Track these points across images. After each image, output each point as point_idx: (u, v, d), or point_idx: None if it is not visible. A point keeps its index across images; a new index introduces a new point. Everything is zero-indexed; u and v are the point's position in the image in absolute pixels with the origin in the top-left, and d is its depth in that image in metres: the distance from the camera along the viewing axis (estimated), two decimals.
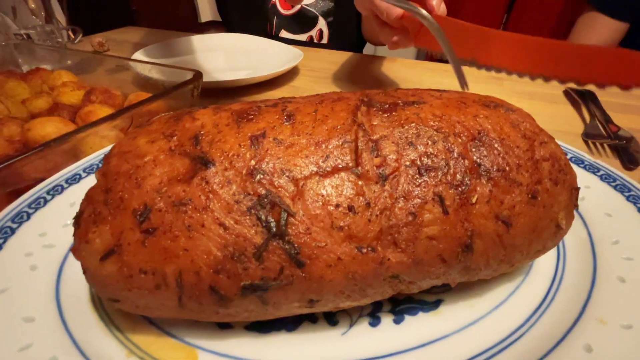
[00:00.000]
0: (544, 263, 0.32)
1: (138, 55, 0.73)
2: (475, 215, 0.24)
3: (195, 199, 0.23)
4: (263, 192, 0.23)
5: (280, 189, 0.23)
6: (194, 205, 0.23)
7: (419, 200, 0.24)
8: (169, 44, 0.83)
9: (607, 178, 0.40)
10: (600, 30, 0.99)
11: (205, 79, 0.73)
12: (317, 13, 1.00)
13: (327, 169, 0.24)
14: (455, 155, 0.25)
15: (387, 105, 0.29)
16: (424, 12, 0.41)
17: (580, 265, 0.31)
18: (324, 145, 0.25)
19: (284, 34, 1.03)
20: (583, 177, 0.40)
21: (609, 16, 0.97)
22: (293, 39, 1.04)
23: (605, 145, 0.54)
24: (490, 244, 0.25)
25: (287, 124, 0.27)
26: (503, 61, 0.37)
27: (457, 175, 0.25)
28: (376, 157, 0.25)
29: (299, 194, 0.23)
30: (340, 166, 0.24)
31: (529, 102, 0.68)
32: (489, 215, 0.25)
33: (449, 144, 0.26)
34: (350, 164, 0.24)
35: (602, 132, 0.57)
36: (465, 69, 0.46)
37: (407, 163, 0.25)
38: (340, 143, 0.25)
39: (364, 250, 0.23)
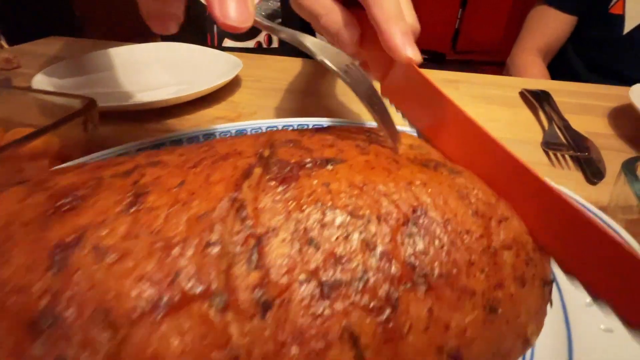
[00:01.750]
0: None
1: (40, 75, 0.61)
2: (408, 354, 0.16)
3: None
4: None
5: (85, 347, 0.14)
6: None
7: (319, 344, 0.15)
8: (85, 58, 0.71)
9: None
10: (550, 23, 1.00)
11: (125, 100, 0.62)
12: (262, 15, 0.91)
13: (174, 299, 0.15)
14: (378, 255, 0.17)
15: (288, 170, 0.20)
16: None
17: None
18: (175, 251, 0.16)
19: (227, 42, 0.92)
20: None
21: (558, 9, 0.98)
22: (239, 47, 0.94)
23: (566, 156, 0.49)
24: None
25: (128, 212, 0.17)
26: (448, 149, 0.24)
27: (380, 290, 0.16)
28: (255, 269, 0.16)
29: (118, 351, 0.14)
30: (194, 292, 0.15)
31: (486, 107, 0.64)
32: (429, 350, 0.16)
33: (370, 237, 0.17)
34: (213, 287, 0.15)
35: (561, 140, 0.52)
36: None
37: (302, 277, 0.16)
38: (202, 246, 0.16)
39: None
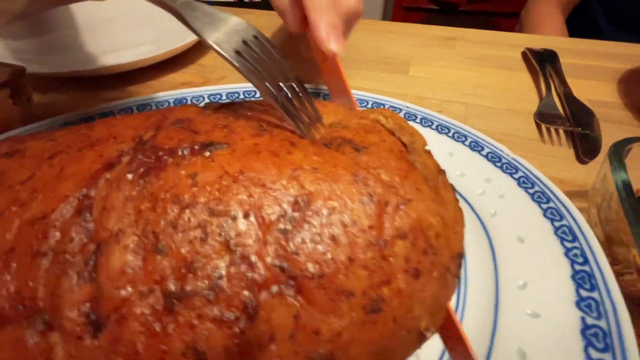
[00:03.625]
0: None
1: None
2: None
3: None
4: None
5: None
6: None
7: None
8: (45, 16, 0.65)
9: (525, 183, 0.31)
10: None
11: (85, 64, 0.58)
12: None
13: None
14: (238, 258, 0.15)
15: (155, 159, 0.17)
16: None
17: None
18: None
19: None
20: (499, 180, 0.31)
21: None
22: (221, 0, 0.86)
23: (560, 130, 0.44)
24: None
25: None
26: None
27: (237, 298, 0.14)
28: (88, 282, 0.14)
29: None
30: (12, 313, 0.13)
31: (479, 70, 0.56)
32: (296, 359, 0.15)
33: (232, 237, 0.15)
34: (40, 304, 0.14)
35: (557, 111, 0.46)
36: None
37: (144, 289, 0.14)
38: (30, 257, 0.14)
39: None
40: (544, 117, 0.45)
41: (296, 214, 0.16)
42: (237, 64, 0.21)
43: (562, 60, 0.56)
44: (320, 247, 0.16)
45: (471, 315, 0.24)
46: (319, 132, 0.22)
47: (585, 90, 0.50)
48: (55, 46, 0.62)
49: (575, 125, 0.43)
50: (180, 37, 0.59)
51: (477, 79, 0.54)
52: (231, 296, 0.14)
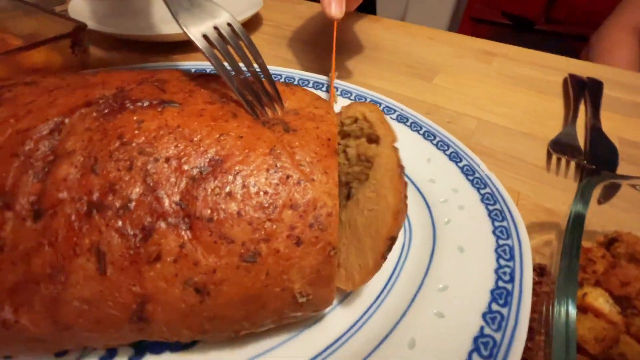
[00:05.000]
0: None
1: None
2: (153, 278, 0.18)
3: None
4: None
5: None
6: None
7: (70, 251, 0.18)
8: None
9: (488, 199, 0.31)
10: None
11: (146, 29, 0.66)
12: None
13: None
14: (150, 190, 0.19)
15: (118, 105, 0.22)
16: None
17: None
18: None
19: None
20: (465, 192, 0.32)
21: None
22: None
23: (571, 163, 0.42)
24: (177, 315, 0.19)
25: None
26: None
27: (139, 220, 0.18)
28: (39, 181, 0.19)
29: None
30: None
31: (508, 88, 0.54)
32: (175, 280, 0.18)
33: (151, 173, 0.19)
34: (6, 189, 0.19)
35: (575, 143, 0.44)
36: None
37: (78, 196, 0.18)
38: (8, 155, 0.19)
39: None
40: (558, 146, 0.43)
41: (209, 168, 0.19)
42: (199, 45, 0.24)
43: (608, 92, 0.52)
44: (217, 198, 0.19)
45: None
46: (275, 113, 0.25)
47: (621, 128, 0.46)
48: (121, 10, 0.71)
49: (590, 161, 0.41)
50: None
51: (502, 97, 0.52)
52: (135, 218, 0.18)
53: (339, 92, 0.45)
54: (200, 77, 0.27)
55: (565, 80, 0.56)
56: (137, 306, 0.18)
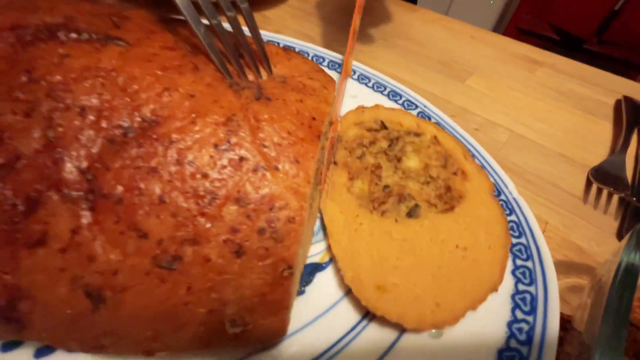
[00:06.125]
0: None
1: None
2: (30, 268, 0.13)
3: None
4: None
5: None
6: None
7: None
8: None
9: (513, 230, 0.24)
10: None
11: None
12: None
13: None
14: (49, 146, 0.13)
15: (46, 34, 0.16)
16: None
17: None
18: None
19: None
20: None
21: None
22: None
23: (615, 196, 0.35)
24: (60, 322, 0.14)
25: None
26: None
27: (27, 185, 0.13)
28: None
29: None
30: None
31: (550, 103, 0.46)
32: (61, 275, 0.13)
33: (54, 125, 0.14)
34: None
35: (622, 175, 0.37)
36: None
37: None
38: None
39: None
40: (601, 175, 0.36)
41: (137, 131, 0.14)
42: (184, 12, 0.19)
43: None
44: (137, 174, 0.13)
45: None
46: (259, 77, 0.19)
47: None
48: None
49: (638, 197, 0.34)
50: None
51: (542, 111, 0.45)
52: (19, 181, 0.13)
53: (355, 76, 0.39)
54: (174, 22, 0.21)
55: (618, 103, 0.49)
56: (6, 302, 0.13)
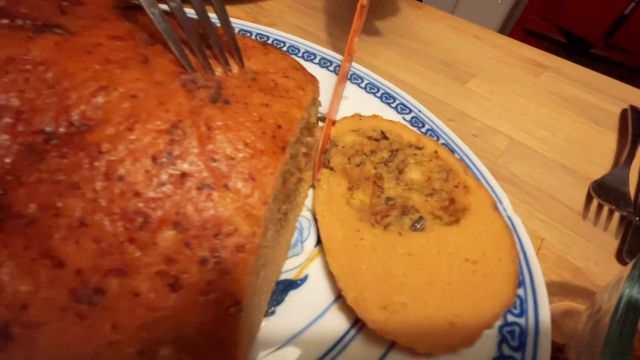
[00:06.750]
0: None
1: None
2: None
3: None
4: None
5: None
6: None
7: None
8: None
9: None
10: None
11: None
12: None
13: None
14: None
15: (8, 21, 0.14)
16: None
17: None
18: None
19: None
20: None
21: None
22: None
23: (616, 213, 0.33)
24: None
25: None
26: None
27: None
28: None
29: None
30: None
31: (554, 109, 0.44)
32: None
33: None
34: None
35: (625, 190, 0.34)
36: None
37: None
38: None
39: None
40: (603, 189, 0.34)
41: (62, 137, 0.12)
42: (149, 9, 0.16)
43: None
44: (55, 190, 0.11)
45: None
46: (229, 71, 0.17)
47: None
48: None
49: (636, 214, 0.32)
50: None
51: (544, 118, 0.43)
52: None
53: (348, 76, 0.37)
54: (139, 8, 0.19)
55: (624, 112, 0.46)
56: None
